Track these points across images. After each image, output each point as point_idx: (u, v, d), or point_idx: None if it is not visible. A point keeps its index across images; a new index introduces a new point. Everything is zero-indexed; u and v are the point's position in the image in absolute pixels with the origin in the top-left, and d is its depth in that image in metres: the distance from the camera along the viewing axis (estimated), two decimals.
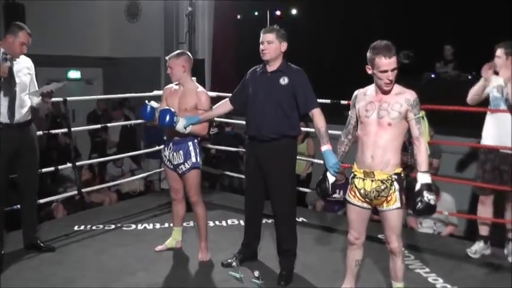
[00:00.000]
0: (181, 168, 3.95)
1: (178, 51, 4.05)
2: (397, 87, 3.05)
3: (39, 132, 4.60)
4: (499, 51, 4.13)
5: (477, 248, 4.25)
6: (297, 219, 3.97)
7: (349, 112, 3.25)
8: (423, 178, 2.97)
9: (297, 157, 3.94)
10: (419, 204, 2.93)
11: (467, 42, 8.42)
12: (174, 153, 3.94)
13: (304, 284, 3.69)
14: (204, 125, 3.95)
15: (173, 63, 3.92)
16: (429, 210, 2.98)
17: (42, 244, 4.19)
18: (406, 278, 3.21)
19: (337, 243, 4.34)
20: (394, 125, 2.99)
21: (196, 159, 3.93)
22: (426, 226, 5.28)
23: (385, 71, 2.95)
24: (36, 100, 4.04)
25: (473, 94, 4.24)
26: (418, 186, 2.97)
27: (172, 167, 4.01)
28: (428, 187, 2.95)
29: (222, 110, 3.97)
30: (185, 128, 3.78)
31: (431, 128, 5.15)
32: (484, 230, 4.31)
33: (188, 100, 3.90)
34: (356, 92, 3.19)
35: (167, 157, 4.01)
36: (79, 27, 9.95)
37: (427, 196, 2.92)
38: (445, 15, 9.08)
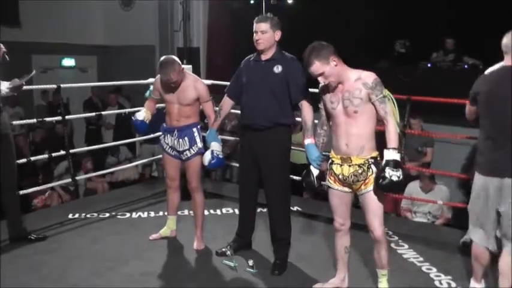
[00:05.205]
0: (186, 154, 3.94)
1: (167, 64, 3.75)
2: (355, 73, 3.02)
3: (33, 120, 4.57)
4: None
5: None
6: (291, 208, 3.97)
7: (319, 105, 3.24)
8: (389, 155, 2.93)
9: (295, 147, 3.92)
10: (381, 180, 2.90)
11: (466, 33, 8.38)
12: (180, 140, 3.92)
13: (298, 272, 3.69)
14: (217, 123, 3.91)
15: (175, 76, 3.74)
16: (393, 186, 2.93)
17: (31, 236, 4.10)
18: (399, 268, 3.23)
19: (332, 233, 4.30)
20: (361, 111, 2.97)
21: (202, 145, 3.92)
22: (420, 216, 5.30)
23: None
24: (5, 90, 3.88)
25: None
26: (383, 163, 2.94)
27: (174, 153, 4.00)
28: (393, 163, 2.90)
29: (226, 108, 3.89)
30: (220, 144, 3.82)
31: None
32: None
33: (188, 95, 3.87)
34: (321, 85, 3.12)
35: (169, 144, 3.99)
36: (73, 15, 9.89)
37: (389, 172, 2.88)
38: (443, 6, 9.03)
